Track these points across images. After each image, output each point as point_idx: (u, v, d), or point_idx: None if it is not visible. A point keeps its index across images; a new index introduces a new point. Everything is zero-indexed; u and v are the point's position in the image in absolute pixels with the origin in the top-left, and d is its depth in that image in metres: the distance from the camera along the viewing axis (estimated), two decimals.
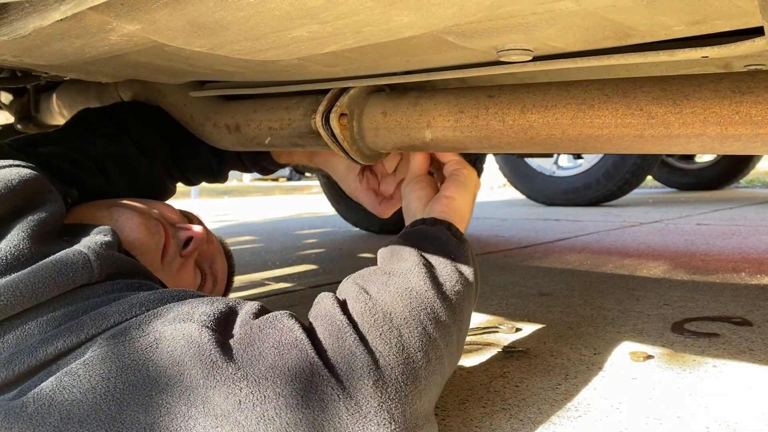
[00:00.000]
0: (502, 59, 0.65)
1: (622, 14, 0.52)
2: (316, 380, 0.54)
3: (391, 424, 0.54)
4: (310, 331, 0.59)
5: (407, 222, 0.88)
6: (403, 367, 0.57)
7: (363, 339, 0.58)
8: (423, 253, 0.72)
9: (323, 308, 0.62)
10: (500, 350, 1.05)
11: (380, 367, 0.56)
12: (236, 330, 0.58)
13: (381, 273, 0.69)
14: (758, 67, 0.66)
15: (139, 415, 0.53)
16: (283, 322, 0.58)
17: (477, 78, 0.88)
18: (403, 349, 0.59)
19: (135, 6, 0.54)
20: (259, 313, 0.61)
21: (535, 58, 0.67)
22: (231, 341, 0.56)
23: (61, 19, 0.53)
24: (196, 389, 0.53)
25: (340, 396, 0.53)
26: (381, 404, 0.54)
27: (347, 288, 0.67)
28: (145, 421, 0.53)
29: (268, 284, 1.78)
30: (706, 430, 0.74)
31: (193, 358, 0.54)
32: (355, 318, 0.60)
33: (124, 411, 0.53)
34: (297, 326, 0.58)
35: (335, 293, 0.67)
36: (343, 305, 0.63)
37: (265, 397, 0.53)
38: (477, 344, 1.08)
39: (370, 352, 0.57)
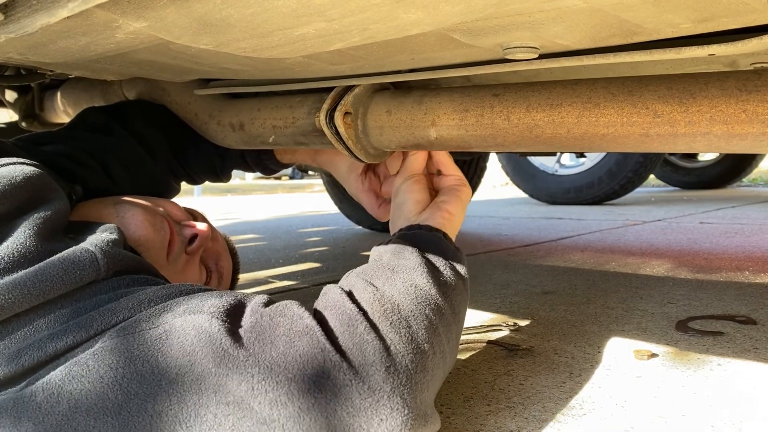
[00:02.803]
0: (507, 57, 0.65)
1: (629, 12, 0.52)
2: (328, 366, 0.54)
3: (404, 408, 0.54)
4: (320, 320, 0.60)
5: (397, 221, 0.88)
6: (412, 355, 0.58)
7: (374, 327, 0.59)
8: (424, 254, 0.73)
9: (331, 298, 0.63)
10: (504, 348, 1.05)
11: (392, 354, 0.57)
12: (246, 320, 0.59)
13: (384, 268, 0.70)
14: (764, 65, 0.66)
15: (146, 404, 0.53)
16: (293, 311, 0.59)
17: (482, 76, 0.88)
18: (412, 338, 0.60)
19: (141, 4, 0.54)
20: (268, 305, 0.62)
21: (541, 56, 0.66)
22: (241, 330, 0.57)
23: (68, 17, 0.53)
24: (208, 378, 0.53)
25: (353, 381, 0.54)
26: (393, 389, 0.55)
27: (351, 281, 0.68)
28: (153, 410, 0.53)
29: (272, 282, 1.78)
30: (712, 428, 0.73)
31: (204, 348, 0.54)
32: (365, 307, 0.61)
33: (131, 400, 0.53)
34: (307, 314, 0.59)
35: (339, 286, 0.67)
36: (350, 295, 0.64)
37: (277, 383, 0.53)
38: (481, 342, 1.08)
39: (382, 339, 0.58)
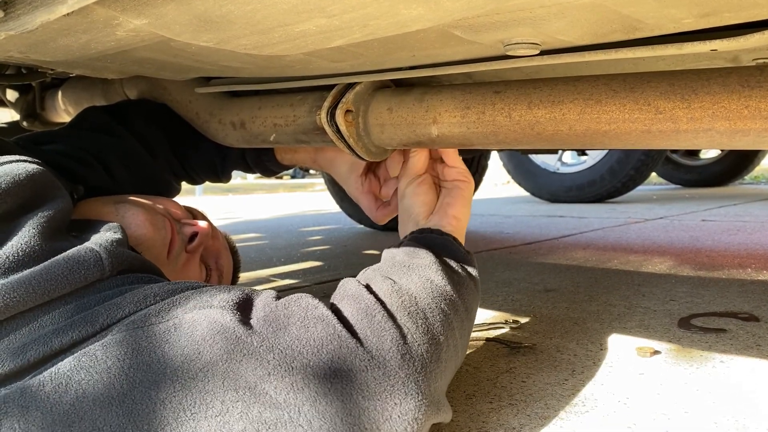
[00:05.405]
0: (509, 53, 0.65)
1: (630, 7, 0.52)
2: (344, 351, 0.55)
3: (418, 394, 0.55)
4: (335, 310, 0.61)
5: (406, 224, 0.89)
6: (428, 345, 0.60)
7: (392, 316, 0.60)
8: (437, 254, 0.75)
9: (349, 289, 0.65)
10: (506, 346, 1.05)
11: (408, 343, 0.58)
12: (258, 311, 0.59)
13: (400, 265, 0.71)
14: (767, 60, 0.66)
15: (150, 392, 0.53)
16: (306, 301, 0.60)
17: (483, 73, 0.88)
18: (428, 329, 0.61)
19: (142, 1, 0.54)
20: (278, 298, 0.62)
21: (542, 53, 0.66)
22: (253, 320, 0.57)
23: (68, 14, 0.53)
24: (217, 364, 0.53)
25: (368, 366, 0.55)
26: (409, 375, 0.56)
27: (368, 275, 0.70)
28: (156, 398, 0.53)
29: (274, 281, 1.78)
30: (714, 425, 0.73)
31: (215, 336, 0.55)
32: (383, 298, 0.63)
33: (136, 388, 0.53)
34: (321, 304, 0.60)
35: (357, 279, 0.69)
36: (368, 288, 0.65)
37: (293, 367, 0.53)
38: (483, 340, 1.08)
39: (399, 328, 0.59)
